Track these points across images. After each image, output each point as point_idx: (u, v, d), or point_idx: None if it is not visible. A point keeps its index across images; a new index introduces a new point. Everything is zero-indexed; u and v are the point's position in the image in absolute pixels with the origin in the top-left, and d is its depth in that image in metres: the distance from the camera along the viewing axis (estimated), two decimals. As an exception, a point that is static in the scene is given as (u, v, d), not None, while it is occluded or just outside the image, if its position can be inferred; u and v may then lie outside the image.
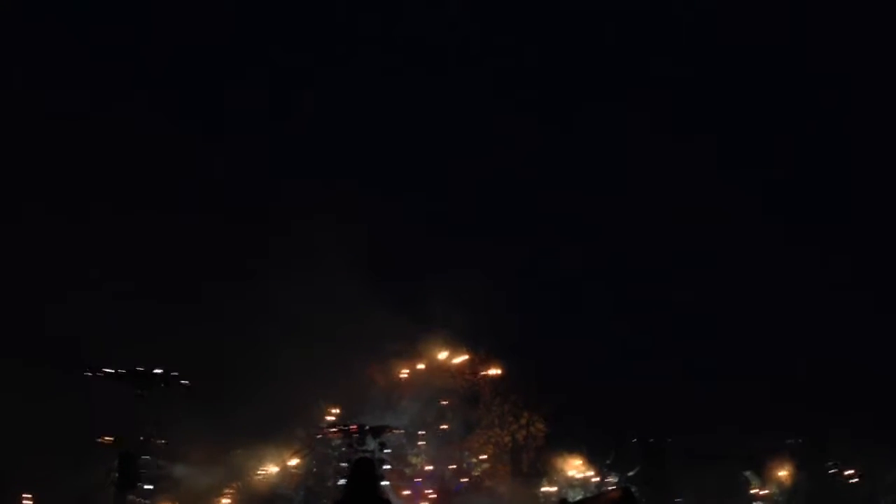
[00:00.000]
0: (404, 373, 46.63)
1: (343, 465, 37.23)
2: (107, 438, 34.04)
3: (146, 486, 33.26)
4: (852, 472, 46.55)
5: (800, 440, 47.78)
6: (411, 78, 53.13)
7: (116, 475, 32.16)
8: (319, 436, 43.74)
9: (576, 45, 53.84)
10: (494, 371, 47.49)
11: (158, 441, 34.18)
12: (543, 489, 46.79)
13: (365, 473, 8.87)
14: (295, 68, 51.23)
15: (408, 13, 52.46)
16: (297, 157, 49.64)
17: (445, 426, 45.59)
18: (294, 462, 44.18)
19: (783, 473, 47.17)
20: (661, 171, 49.83)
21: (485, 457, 46.67)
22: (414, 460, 44.95)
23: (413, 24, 52.31)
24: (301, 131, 49.52)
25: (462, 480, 45.26)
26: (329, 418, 43.83)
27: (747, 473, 46.04)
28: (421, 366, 46.78)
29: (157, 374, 33.07)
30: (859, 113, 52.42)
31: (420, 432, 45.08)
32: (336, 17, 52.73)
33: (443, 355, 47.01)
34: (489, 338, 47.05)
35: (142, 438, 33.48)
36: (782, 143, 53.82)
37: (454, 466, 45.41)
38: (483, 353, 47.44)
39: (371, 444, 37.19)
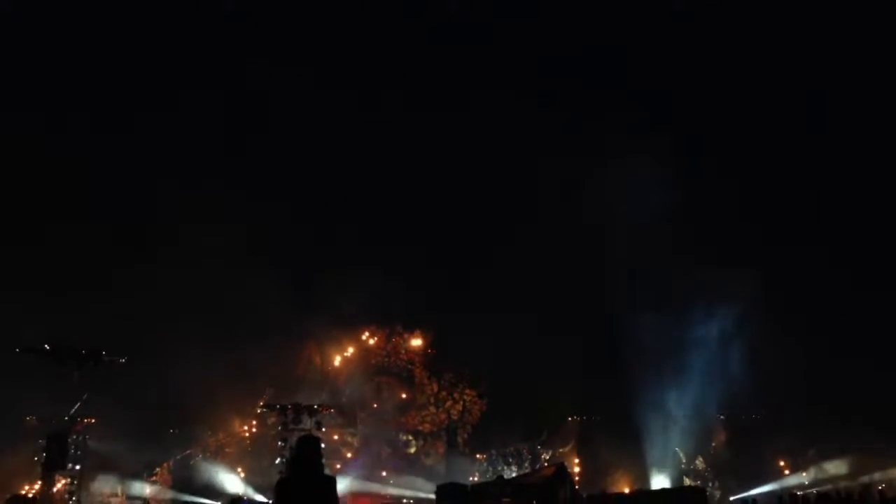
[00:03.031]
0: (346, 353, 46.69)
1: (280, 443, 36.94)
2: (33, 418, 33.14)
3: (75, 466, 32.55)
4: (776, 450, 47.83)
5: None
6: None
7: (44, 455, 31.44)
8: (259, 412, 43.41)
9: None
10: (416, 342, 47.97)
11: (87, 420, 33.26)
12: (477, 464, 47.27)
13: (310, 451, 8.69)
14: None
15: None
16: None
17: (381, 405, 45.61)
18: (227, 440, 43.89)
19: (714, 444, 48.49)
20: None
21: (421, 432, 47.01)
22: (350, 439, 44.85)
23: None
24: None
25: (398, 460, 45.39)
26: (264, 396, 43.43)
27: (677, 449, 46.93)
28: (350, 349, 46.97)
29: (86, 352, 32.26)
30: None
31: (357, 412, 45.05)
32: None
33: (367, 335, 47.67)
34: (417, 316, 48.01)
35: (67, 418, 32.46)
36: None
37: (389, 448, 45.54)
38: (403, 326, 48.21)
39: (307, 423, 36.91)
